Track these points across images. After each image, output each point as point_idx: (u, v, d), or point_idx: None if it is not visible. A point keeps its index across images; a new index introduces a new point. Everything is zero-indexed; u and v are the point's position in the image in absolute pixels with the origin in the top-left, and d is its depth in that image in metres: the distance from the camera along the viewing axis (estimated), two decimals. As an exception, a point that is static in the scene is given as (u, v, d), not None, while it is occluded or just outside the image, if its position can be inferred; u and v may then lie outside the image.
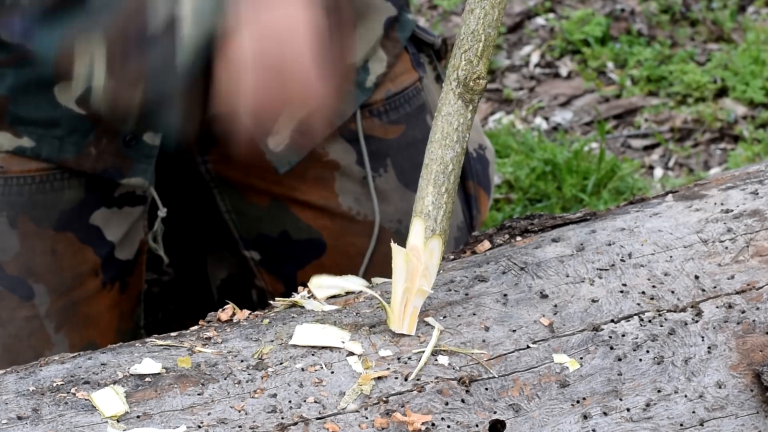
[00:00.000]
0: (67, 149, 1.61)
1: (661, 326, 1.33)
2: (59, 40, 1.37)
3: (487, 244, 1.44)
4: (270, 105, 1.34)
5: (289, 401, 1.23)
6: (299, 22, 1.31)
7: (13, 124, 1.60)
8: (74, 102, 1.56)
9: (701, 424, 1.30)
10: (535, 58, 3.12)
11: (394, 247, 1.30)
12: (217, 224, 1.80)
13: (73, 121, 1.58)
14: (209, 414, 1.21)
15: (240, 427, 1.20)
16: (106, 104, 1.39)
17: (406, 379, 1.26)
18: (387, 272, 1.43)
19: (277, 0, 1.32)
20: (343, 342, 1.29)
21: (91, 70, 1.37)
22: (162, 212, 1.68)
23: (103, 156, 1.62)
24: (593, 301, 1.35)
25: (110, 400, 1.20)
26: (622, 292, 1.36)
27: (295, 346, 1.28)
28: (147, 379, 1.24)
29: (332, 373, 1.26)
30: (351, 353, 1.27)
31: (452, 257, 1.44)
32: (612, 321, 1.33)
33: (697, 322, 1.34)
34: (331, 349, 1.28)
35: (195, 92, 1.35)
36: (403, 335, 1.30)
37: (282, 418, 1.22)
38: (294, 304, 1.36)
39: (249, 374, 1.25)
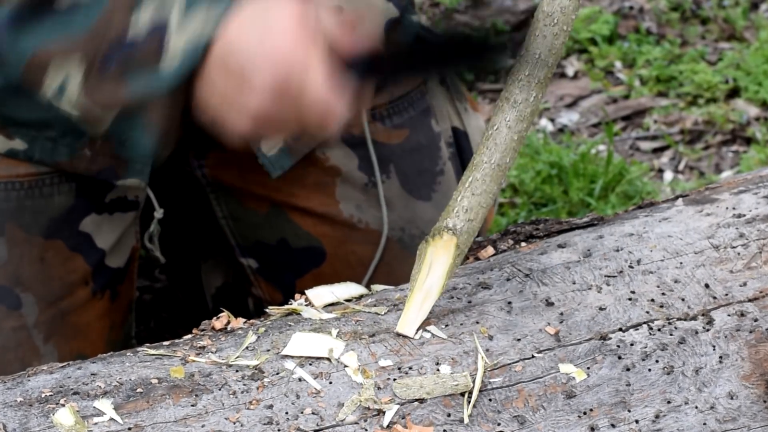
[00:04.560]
0: (60, 151, 1.60)
1: (671, 335, 1.32)
2: (31, 49, 1.36)
3: (490, 250, 1.43)
4: (274, 125, 1.33)
5: (286, 413, 1.22)
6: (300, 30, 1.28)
7: (5, 126, 1.58)
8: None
9: (713, 437, 1.29)
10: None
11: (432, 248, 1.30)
12: (213, 230, 1.79)
13: (66, 123, 1.57)
14: (203, 426, 1.20)
15: (235, 439, 1.19)
16: (79, 114, 1.38)
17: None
18: (389, 281, 1.43)
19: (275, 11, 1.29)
20: (341, 352, 1.27)
21: (64, 84, 1.36)
22: (159, 213, 1.67)
23: (98, 157, 1.61)
24: (601, 308, 1.33)
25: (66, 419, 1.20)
26: (630, 299, 1.34)
27: (291, 356, 1.26)
28: (138, 389, 1.23)
29: (330, 383, 1.24)
30: (349, 363, 1.26)
31: (455, 263, 1.43)
32: (620, 329, 1.32)
33: (708, 330, 1.33)
34: (329, 358, 1.26)
35: (177, 102, 1.33)
36: (402, 344, 1.28)
37: (278, 430, 1.20)
38: (291, 312, 1.34)
39: (244, 384, 1.24)
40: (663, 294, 1.35)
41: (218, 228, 1.78)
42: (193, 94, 1.33)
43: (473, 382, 1.25)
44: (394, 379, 1.25)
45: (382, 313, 1.32)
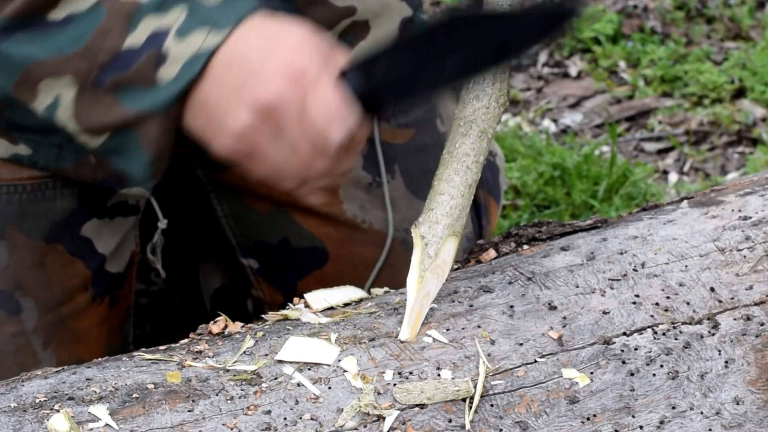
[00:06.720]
0: (65, 158, 1.58)
1: (676, 339, 1.31)
2: (23, 63, 1.35)
3: (492, 253, 1.42)
4: (265, 149, 1.31)
5: (285, 418, 1.21)
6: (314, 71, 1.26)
7: (9, 131, 1.56)
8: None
9: (718, 443, 1.29)
10: (543, 56, 3.09)
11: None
12: (213, 230, 1.78)
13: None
14: (200, 432, 1.19)
15: (232, 445, 1.19)
16: (73, 129, 1.36)
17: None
18: (392, 283, 1.41)
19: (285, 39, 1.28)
20: (335, 357, 1.26)
21: (55, 103, 1.35)
22: (162, 223, 1.66)
23: (103, 165, 1.59)
24: (604, 312, 1.32)
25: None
26: (634, 303, 1.33)
27: (288, 361, 1.25)
28: (134, 395, 1.22)
29: (329, 388, 1.24)
30: (349, 368, 1.25)
31: (456, 267, 1.42)
32: (624, 334, 1.31)
33: (713, 335, 1.32)
34: (328, 363, 1.25)
35: (173, 120, 1.32)
36: (403, 349, 1.27)
37: (276, 436, 1.20)
38: (287, 317, 1.33)
39: (242, 390, 1.23)
40: (668, 298, 1.34)
41: (218, 228, 1.77)
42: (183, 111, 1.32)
43: (475, 387, 1.24)
44: (395, 384, 1.23)
45: (382, 316, 1.31)
